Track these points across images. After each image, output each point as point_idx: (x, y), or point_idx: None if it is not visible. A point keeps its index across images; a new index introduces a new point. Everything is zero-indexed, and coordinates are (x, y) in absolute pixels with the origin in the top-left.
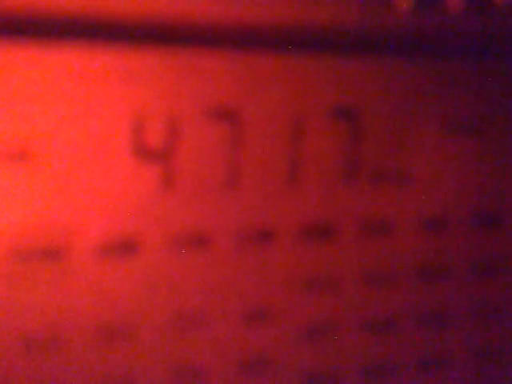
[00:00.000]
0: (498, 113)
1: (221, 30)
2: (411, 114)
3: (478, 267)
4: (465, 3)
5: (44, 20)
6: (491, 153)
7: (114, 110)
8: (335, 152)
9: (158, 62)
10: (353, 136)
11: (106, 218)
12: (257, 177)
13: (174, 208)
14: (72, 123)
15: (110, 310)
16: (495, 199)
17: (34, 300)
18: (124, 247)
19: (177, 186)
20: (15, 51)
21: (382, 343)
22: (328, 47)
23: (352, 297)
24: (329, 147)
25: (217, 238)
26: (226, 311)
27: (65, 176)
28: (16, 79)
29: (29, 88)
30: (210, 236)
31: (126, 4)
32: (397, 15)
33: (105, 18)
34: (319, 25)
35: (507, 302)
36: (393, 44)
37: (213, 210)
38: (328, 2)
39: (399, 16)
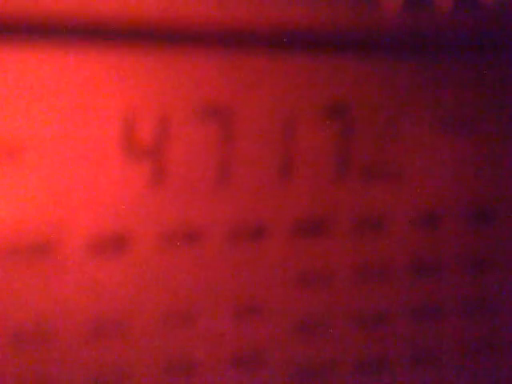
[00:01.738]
0: (490, 110)
1: (212, 29)
2: (402, 112)
3: (472, 262)
4: (454, 2)
5: (35, 20)
6: (484, 149)
7: (105, 107)
8: (327, 149)
9: (149, 60)
10: (344, 133)
11: (97, 214)
12: (248, 174)
13: (165, 205)
14: (62, 121)
15: (100, 305)
16: (488, 195)
17: (24, 296)
18: (115, 243)
19: (168, 183)
20: (6, 51)
21: (376, 338)
22: (319, 46)
23: (345, 292)
24: (320, 144)
25: (208, 235)
26: (218, 307)
27: (55, 173)
28: (7, 78)
29: (20, 86)
30: (201, 233)
31: (117, 4)
32: (387, 14)
33: (96, 17)
34: (310, 24)
35: (501, 297)
36: (383, 43)
37: (204, 206)
38: (319, 2)
39: (389, 15)
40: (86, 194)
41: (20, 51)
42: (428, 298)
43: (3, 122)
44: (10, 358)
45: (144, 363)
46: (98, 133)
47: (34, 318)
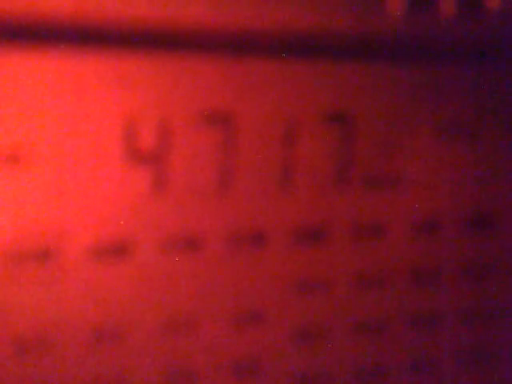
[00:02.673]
0: (491, 117)
1: (214, 35)
2: (404, 119)
3: (471, 270)
4: (458, 8)
5: (36, 24)
6: (484, 156)
7: (107, 113)
8: (328, 156)
9: (151, 66)
10: (346, 140)
11: (98, 220)
12: (249, 181)
13: (167, 211)
14: (64, 127)
15: (101, 312)
16: (488, 202)
17: (26, 302)
18: (116, 250)
19: (169, 190)
20: (7, 56)
21: (375, 346)
22: (321, 52)
23: (344, 300)
24: (322, 151)
25: (209, 241)
26: (218, 314)
27: (57, 179)
28: (8, 83)
29: (21, 92)
30: (202, 239)
31: (118, 9)
32: (390, 20)
33: (97, 22)
34: (312, 30)
35: (499, 305)
36: (386, 49)
37: (205, 213)
38: (321, 7)
39: (392, 21)
40: (87, 201)
41: (21, 57)
42: (427, 306)
43: (3, 128)
44: (11, 365)
45: (144, 370)
46: (99, 139)
47: (35, 324)
